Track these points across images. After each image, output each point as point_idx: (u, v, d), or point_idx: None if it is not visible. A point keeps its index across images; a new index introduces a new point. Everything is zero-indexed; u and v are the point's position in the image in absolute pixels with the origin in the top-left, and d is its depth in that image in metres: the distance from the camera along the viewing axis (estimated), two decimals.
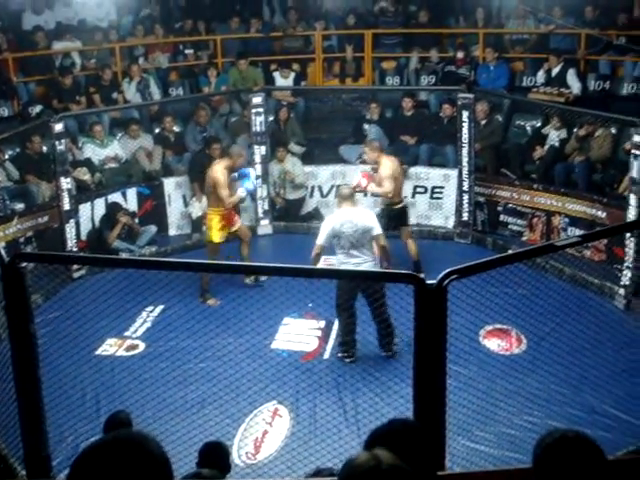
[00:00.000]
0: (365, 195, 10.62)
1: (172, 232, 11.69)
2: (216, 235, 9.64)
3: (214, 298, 9.42)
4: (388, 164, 9.73)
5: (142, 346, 8.60)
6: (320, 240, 7.99)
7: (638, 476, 3.35)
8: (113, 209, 10.95)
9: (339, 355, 8.12)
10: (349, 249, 7.92)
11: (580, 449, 2.43)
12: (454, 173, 11.31)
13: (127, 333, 8.84)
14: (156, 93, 12.91)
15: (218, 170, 9.53)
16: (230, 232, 9.82)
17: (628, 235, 8.91)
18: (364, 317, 8.03)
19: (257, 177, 11.58)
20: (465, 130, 10.89)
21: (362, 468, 1.94)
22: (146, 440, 1.94)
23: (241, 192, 9.64)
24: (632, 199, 9.02)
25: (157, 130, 12.25)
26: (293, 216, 11.89)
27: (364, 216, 8.10)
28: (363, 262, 7.93)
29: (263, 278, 9.65)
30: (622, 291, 9.12)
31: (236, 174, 9.68)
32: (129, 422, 5.21)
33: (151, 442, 1.94)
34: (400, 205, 10.06)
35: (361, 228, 7.93)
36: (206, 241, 9.84)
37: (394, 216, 9.97)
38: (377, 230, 8.04)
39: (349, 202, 8.14)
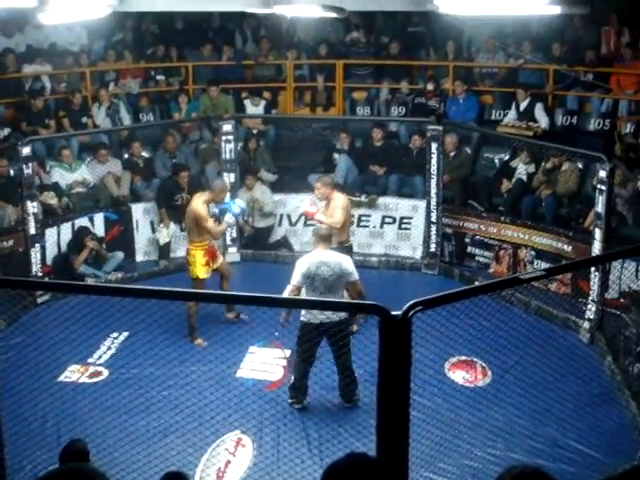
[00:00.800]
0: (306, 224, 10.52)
1: (139, 258, 11.63)
2: (201, 271, 9.25)
3: (201, 338, 9.04)
4: (341, 198, 9.31)
5: (106, 373, 8.51)
6: (295, 281, 7.59)
7: None
8: (81, 233, 10.88)
9: (289, 401, 7.81)
10: (322, 293, 7.49)
11: None
12: (422, 204, 11.37)
13: (91, 360, 8.75)
14: (126, 118, 12.88)
15: (198, 204, 9.20)
16: (212, 268, 9.45)
17: (593, 269, 8.99)
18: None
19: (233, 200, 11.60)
20: (434, 161, 10.97)
21: None
22: (96, 475, 1.92)
23: (229, 219, 9.37)
24: (597, 233, 9.11)
25: (126, 155, 12.21)
26: (261, 244, 11.87)
27: (341, 260, 7.69)
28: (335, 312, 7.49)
29: (244, 316, 9.47)
30: (586, 324, 9.18)
31: (217, 210, 9.42)
32: (86, 451, 5.14)
33: (100, 477, 1.92)
34: (348, 244, 9.44)
35: (337, 272, 7.57)
36: (192, 278, 9.29)
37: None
38: (355, 276, 7.70)
39: (326, 243, 7.83)
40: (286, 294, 7.40)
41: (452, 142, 11.59)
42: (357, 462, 2.58)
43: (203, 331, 8.05)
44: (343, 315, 7.48)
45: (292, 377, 7.80)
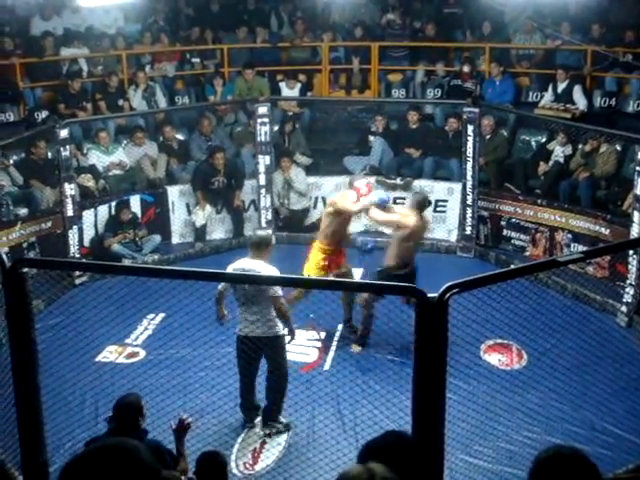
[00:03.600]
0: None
1: (175, 240, 11.69)
2: (312, 270, 8.60)
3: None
4: (413, 219, 8.48)
5: (142, 354, 8.60)
6: (220, 286, 7.20)
7: None
8: (120, 205, 10.95)
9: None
10: (243, 304, 7.01)
11: (574, 466, 2.41)
12: (458, 187, 11.31)
13: (128, 340, 8.84)
14: (162, 101, 12.94)
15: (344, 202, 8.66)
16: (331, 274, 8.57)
17: (631, 252, 8.90)
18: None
19: (261, 187, 11.62)
20: (470, 144, 10.89)
21: (352, 478, 1.93)
22: (137, 449, 1.93)
23: (373, 197, 8.62)
24: (636, 216, 9.00)
25: (162, 138, 12.27)
26: (296, 227, 11.88)
27: (263, 271, 6.87)
28: (259, 323, 6.96)
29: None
30: (624, 308, 9.10)
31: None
32: (138, 406, 5.25)
33: (142, 451, 1.92)
34: (405, 270, 8.39)
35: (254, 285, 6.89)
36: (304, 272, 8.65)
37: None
38: (273, 291, 6.91)
39: (255, 252, 7.14)
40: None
41: (489, 124, 11.52)
42: (395, 440, 2.59)
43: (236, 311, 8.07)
44: (269, 330, 6.97)
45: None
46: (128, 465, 1.89)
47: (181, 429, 5.43)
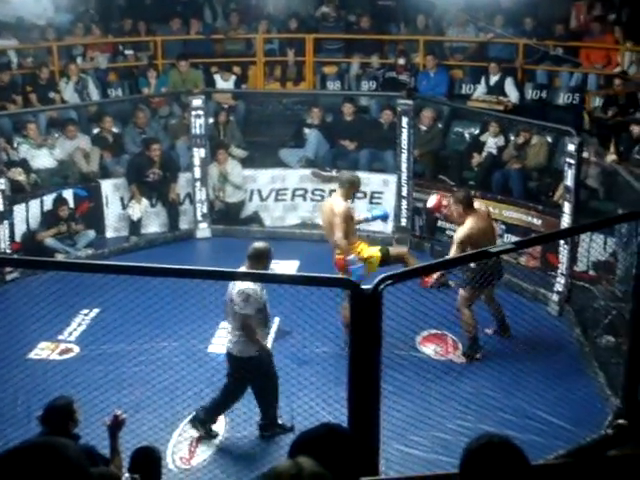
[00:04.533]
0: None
1: (109, 234, 11.55)
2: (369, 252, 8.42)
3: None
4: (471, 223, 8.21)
5: (76, 349, 8.48)
6: (249, 310, 6.73)
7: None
8: (57, 202, 10.77)
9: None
10: (226, 319, 6.88)
11: (504, 454, 2.45)
12: (393, 178, 11.38)
13: (61, 336, 8.70)
14: (94, 93, 12.76)
15: (338, 203, 8.30)
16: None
17: (562, 242, 9.06)
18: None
19: (196, 180, 11.54)
20: (404, 136, 10.96)
21: (284, 476, 1.92)
22: (65, 447, 1.89)
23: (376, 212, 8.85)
24: (566, 207, 9.16)
25: (95, 131, 12.10)
26: (232, 219, 11.83)
27: (240, 286, 6.57)
28: (230, 341, 6.82)
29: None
30: (555, 297, 9.26)
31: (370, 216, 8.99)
32: (69, 410, 5.17)
33: (70, 449, 1.89)
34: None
35: (229, 297, 6.71)
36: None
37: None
38: (241, 309, 6.60)
39: (253, 263, 6.76)
40: None
41: (429, 117, 11.63)
42: (328, 431, 2.59)
43: (174, 305, 8.00)
44: (239, 350, 6.73)
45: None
46: (55, 463, 1.86)
47: (115, 425, 5.37)
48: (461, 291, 8.20)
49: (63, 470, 1.85)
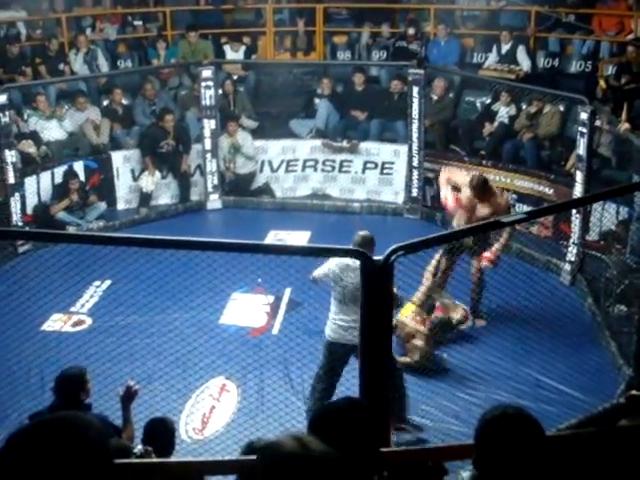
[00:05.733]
0: None
1: (120, 206, 11.55)
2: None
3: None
4: (502, 200, 8.44)
5: (89, 321, 8.53)
6: (316, 273, 6.81)
7: (579, 451, 3.38)
8: (67, 176, 10.78)
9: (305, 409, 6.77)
10: (342, 302, 6.53)
11: (519, 426, 2.44)
12: (404, 149, 11.33)
13: (73, 308, 8.74)
14: (104, 65, 12.71)
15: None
16: None
17: (574, 212, 9.01)
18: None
19: (207, 152, 11.51)
20: (415, 106, 10.90)
21: (289, 457, 1.87)
22: (86, 425, 1.87)
23: None
24: (578, 176, 9.11)
25: (105, 103, 12.06)
26: (243, 191, 11.81)
27: None
28: (354, 323, 6.15)
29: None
30: (567, 267, 9.23)
31: None
32: (81, 379, 5.18)
33: (92, 428, 1.87)
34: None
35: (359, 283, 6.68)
36: None
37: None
38: None
39: (365, 248, 6.24)
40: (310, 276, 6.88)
41: (441, 86, 11.55)
42: (351, 406, 2.59)
43: (185, 277, 8.00)
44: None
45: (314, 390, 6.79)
46: (73, 443, 1.84)
47: (128, 396, 5.39)
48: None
49: (84, 451, 1.83)
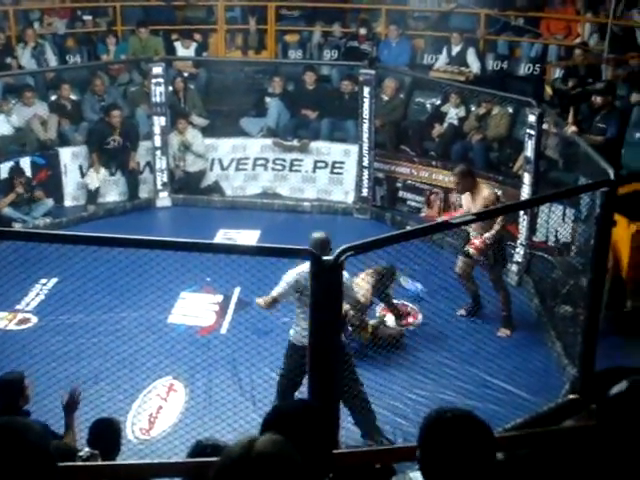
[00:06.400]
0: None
1: (68, 203, 11.41)
2: None
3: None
4: (485, 191, 8.27)
5: (34, 320, 8.39)
6: (276, 291, 6.54)
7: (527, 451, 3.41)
8: (13, 172, 10.61)
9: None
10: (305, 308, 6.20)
11: (463, 428, 2.45)
12: (355, 148, 11.35)
13: (19, 306, 8.61)
14: (52, 59, 12.54)
15: None
16: None
17: (522, 213, 9.11)
18: None
19: (156, 149, 11.42)
20: (366, 106, 10.94)
21: (234, 455, 1.88)
22: (24, 428, 1.85)
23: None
24: (526, 178, 9.22)
25: (53, 98, 11.90)
26: (193, 189, 11.74)
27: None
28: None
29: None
30: (514, 268, 9.33)
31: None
32: (19, 385, 5.10)
33: (30, 432, 1.85)
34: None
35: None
36: None
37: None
38: (353, 295, 6.58)
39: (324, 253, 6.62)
40: (262, 301, 6.66)
41: (391, 87, 11.60)
42: (305, 409, 2.58)
43: (133, 276, 7.90)
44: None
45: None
46: (16, 447, 1.81)
47: (71, 404, 5.30)
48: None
49: (24, 454, 1.80)
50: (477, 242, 8.03)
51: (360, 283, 7.38)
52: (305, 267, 6.13)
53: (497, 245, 8.12)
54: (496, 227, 8.04)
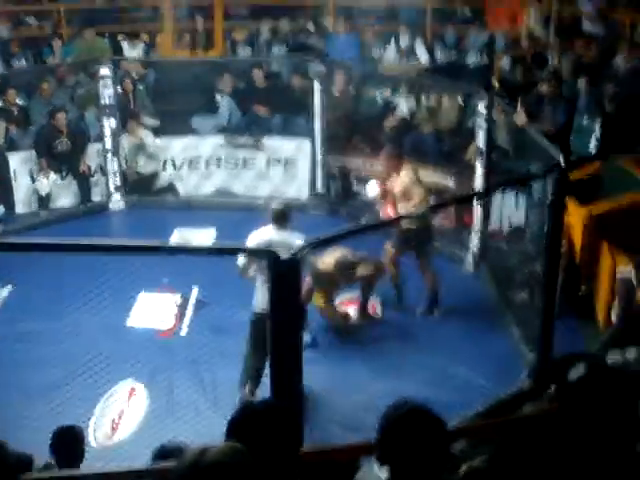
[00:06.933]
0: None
1: (19, 210, 11.23)
2: None
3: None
4: (408, 173, 8.35)
5: None
6: (240, 262, 6.73)
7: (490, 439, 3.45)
8: None
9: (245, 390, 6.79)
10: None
11: (420, 423, 2.48)
12: (307, 144, 11.35)
13: None
14: None
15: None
16: None
17: (475, 202, 9.19)
18: None
19: (107, 151, 11.30)
20: (317, 101, 10.94)
21: (183, 465, 1.87)
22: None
23: None
24: (478, 167, 9.30)
25: (0, 103, 11.72)
26: (146, 190, 11.65)
27: (293, 242, 6.20)
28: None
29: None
30: (470, 256, 9.42)
31: None
32: None
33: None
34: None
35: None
36: None
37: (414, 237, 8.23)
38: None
39: (279, 222, 6.91)
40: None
41: (341, 80, 11.59)
42: (270, 409, 2.58)
43: (90, 279, 7.81)
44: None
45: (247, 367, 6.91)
46: None
47: None
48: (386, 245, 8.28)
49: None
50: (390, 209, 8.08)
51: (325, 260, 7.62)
52: (264, 234, 6.81)
53: (423, 227, 8.14)
54: (415, 201, 8.06)
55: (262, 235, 6.87)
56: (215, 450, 1.88)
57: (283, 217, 6.96)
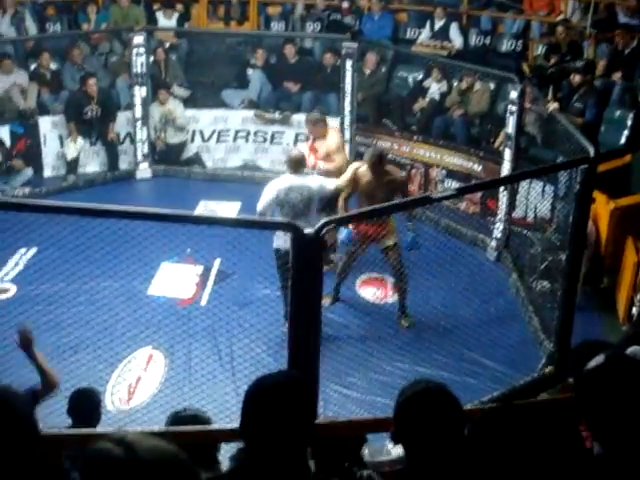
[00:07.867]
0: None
1: (47, 173, 11.33)
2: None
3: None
4: (335, 136, 9.10)
5: (14, 289, 8.38)
6: (260, 207, 7.35)
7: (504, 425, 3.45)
8: None
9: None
10: (292, 219, 6.53)
11: (438, 402, 2.49)
12: (336, 122, 11.31)
13: None
14: (32, 27, 12.41)
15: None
16: None
17: (502, 189, 9.16)
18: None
19: (137, 119, 11.34)
20: (348, 79, 10.90)
21: (109, 461, 1.67)
22: (14, 397, 1.86)
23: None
24: (507, 154, 9.26)
25: (33, 67, 11.78)
26: (173, 160, 11.70)
27: (311, 183, 7.47)
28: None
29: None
30: (493, 243, 9.39)
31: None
32: None
33: (18, 400, 1.86)
34: None
35: (306, 197, 7.34)
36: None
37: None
38: (328, 187, 7.54)
39: (296, 168, 7.50)
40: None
41: (372, 60, 11.56)
42: (289, 380, 2.58)
43: (114, 246, 7.88)
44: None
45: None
46: (1, 417, 1.83)
47: (25, 342, 5.10)
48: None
49: (11, 423, 1.82)
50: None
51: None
52: (283, 182, 7.38)
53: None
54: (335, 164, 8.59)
55: (282, 182, 7.45)
56: (147, 444, 1.70)
57: (299, 163, 7.58)
